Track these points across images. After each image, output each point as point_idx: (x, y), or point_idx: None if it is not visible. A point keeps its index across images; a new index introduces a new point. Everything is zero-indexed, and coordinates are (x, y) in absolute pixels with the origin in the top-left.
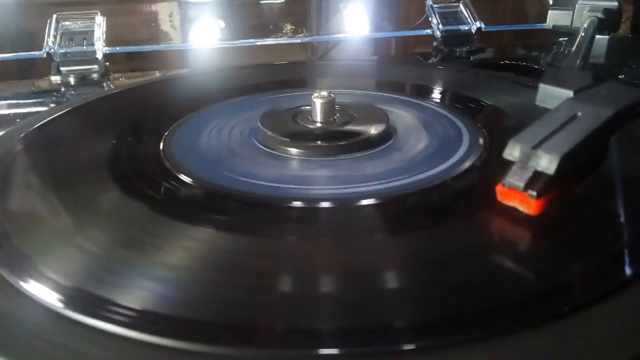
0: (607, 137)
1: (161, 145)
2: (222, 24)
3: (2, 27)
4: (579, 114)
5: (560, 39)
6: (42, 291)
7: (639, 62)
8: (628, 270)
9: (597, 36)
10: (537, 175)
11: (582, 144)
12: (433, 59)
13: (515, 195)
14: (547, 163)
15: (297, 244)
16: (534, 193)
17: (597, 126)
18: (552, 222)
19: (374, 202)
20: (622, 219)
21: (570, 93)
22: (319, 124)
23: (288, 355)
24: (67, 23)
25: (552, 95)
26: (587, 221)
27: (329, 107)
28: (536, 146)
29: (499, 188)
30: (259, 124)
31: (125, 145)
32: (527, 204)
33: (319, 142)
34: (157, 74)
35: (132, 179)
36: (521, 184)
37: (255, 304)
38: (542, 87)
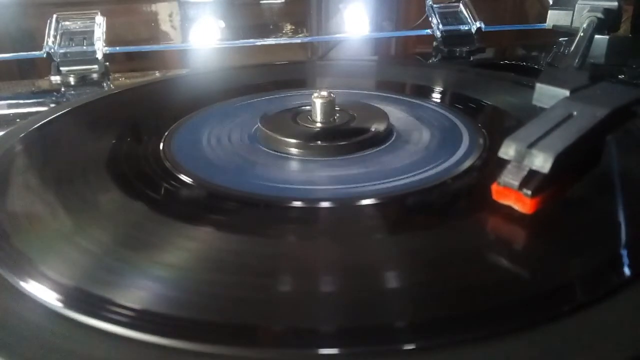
0: (602, 137)
1: (161, 145)
2: (222, 24)
3: (2, 27)
4: (575, 113)
5: (560, 39)
6: (42, 291)
7: (639, 62)
8: (626, 270)
9: (597, 36)
10: (532, 174)
11: (577, 143)
12: (433, 59)
13: (510, 194)
14: (541, 162)
15: (297, 244)
16: (529, 192)
17: (592, 125)
18: (548, 221)
19: (374, 202)
20: (619, 218)
21: (567, 92)
22: (319, 124)
23: (288, 355)
24: (67, 23)
25: (548, 94)
26: (583, 220)
27: (329, 107)
28: (531, 145)
29: (494, 187)
30: (259, 124)
31: (125, 145)
32: (522, 203)
33: (319, 142)
34: (157, 74)
35: (132, 178)
36: (516, 183)
37: (255, 304)
38: (539, 86)
